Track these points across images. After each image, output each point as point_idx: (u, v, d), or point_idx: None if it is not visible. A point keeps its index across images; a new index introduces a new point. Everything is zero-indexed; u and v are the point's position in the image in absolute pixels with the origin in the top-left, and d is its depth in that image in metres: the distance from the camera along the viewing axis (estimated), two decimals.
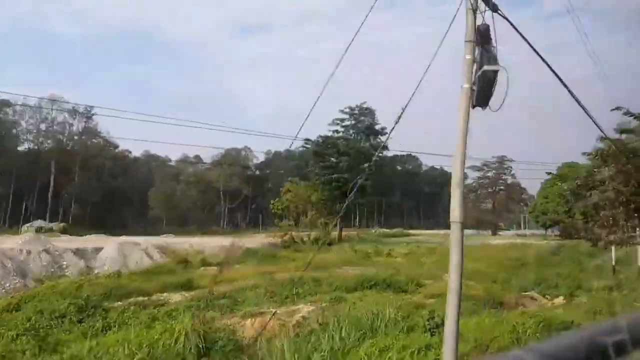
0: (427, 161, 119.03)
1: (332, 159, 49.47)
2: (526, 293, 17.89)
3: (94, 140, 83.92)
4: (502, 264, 26.06)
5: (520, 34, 6.33)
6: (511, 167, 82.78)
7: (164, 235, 57.69)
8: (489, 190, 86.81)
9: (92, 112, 75.57)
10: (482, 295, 16.43)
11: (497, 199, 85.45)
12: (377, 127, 52.51)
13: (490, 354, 10.13)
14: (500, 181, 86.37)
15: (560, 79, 6.93)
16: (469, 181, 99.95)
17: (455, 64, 6.27)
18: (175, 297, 17.94)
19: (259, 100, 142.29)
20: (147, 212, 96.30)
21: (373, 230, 65.02)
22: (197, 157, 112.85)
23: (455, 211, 6.14)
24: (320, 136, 49.80)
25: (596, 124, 11.20)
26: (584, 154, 12.56)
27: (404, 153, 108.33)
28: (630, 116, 11.85)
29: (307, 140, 49.33)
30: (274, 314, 12.35)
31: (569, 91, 7.11)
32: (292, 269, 25.14)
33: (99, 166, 79.89)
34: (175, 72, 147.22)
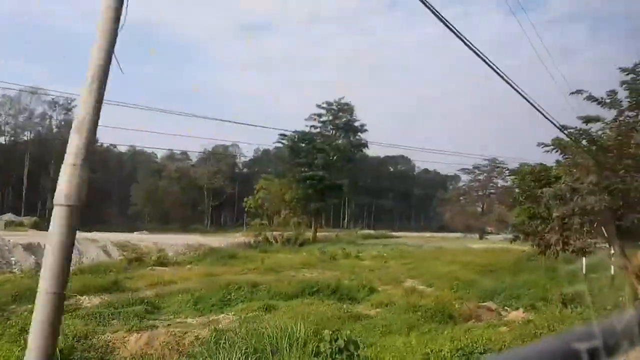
0: (420, 163, 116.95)
1: (305, 155, 47.30)
2: (484, 303, 16.11)
3: None
4: (473, 269, 24.33)
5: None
6: (503, 170, 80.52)
7: (137, 232, 55.94)
8: (479, 193, 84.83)
9: (72, 104, 73.89)
10: (432, 305, 14.62)
11: (486, 202, 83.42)
12: (356, 123, 50.69)
13: None
14: (491, 184, 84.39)
15: (499, 72, 5.18)
16: (460, 184, 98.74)
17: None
18: (94, 300, 16.12)
19: (256, 100, 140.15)
20: (128, 208, 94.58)
21: (356, 231, 63.21)
22: (184, 153, 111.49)
23: (66, 184, 3.37)
24: (296, 131, 47.89)
25: (546, 117, 9.48)
26: (539, 144, 10.78)
27: (396, 154, 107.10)
28: (593, 101, 10.10)
29: (282, 135, 47.46)
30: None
31: (507, 82, 5.40)
32: (245, 271, 23.46)
33: None
34: (172, 71, 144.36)
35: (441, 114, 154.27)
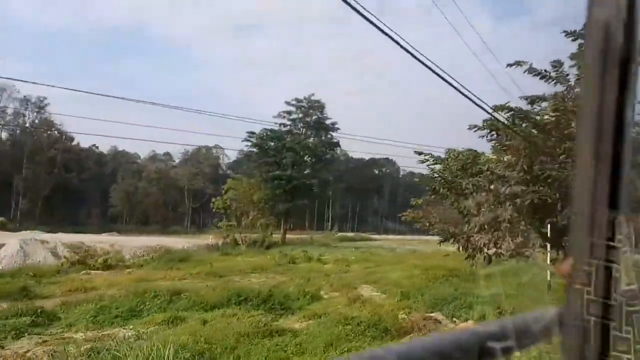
0: (405, 164, 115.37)
1: (274, 154, 45.27)
2: (431, 314, 14.29)
3: (49, 132, 79.47)
4: (436, 273, 22.48)
5: None
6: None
7: (106, 233, 54.05)
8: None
9: (45, 102, 71.92)
10: (369, 317, 12.80)
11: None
12: (328, 122, 48.64)
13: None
14: None
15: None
16: None
17: None
18: None
19: (249, 102, 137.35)
20: (108, 209, 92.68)
21: (333, 234, 61.25)
22: (167, 154, 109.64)
23: None
24: (265, 129, 45.88)
25: (475, 102, 7.76)
26: (470, 127, 8.90)
27: (381, 157, 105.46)
28: (536, 74, 8.33)
29: (250, 133, 45.40)
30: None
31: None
32: (186, 276, 21.60)
33: (51, 159, 75.46)
34: (163, 71, 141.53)
35: (434, 114, 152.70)
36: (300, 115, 48.09)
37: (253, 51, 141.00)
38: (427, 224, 10.48)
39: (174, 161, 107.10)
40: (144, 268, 25.03)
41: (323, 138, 48.35)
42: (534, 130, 8.10)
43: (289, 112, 48.14)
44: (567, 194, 7.76)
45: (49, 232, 51.09)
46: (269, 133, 45.80)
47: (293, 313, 14.72)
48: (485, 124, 8.71)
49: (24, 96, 71.79)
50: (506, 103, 7.64)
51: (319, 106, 48.18)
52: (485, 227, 8.78)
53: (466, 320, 13.56)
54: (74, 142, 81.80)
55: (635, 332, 1.27)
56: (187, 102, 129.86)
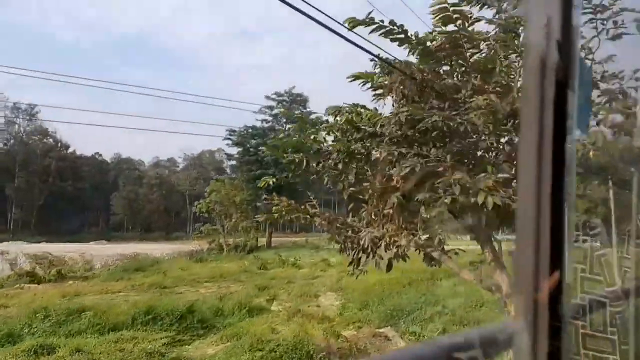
0: None
1: (255, 152, 42.52)
2: (382, 330, 11.61)
3: (44, 140, 77.99)
4: (417, 275, 19.69)
5: None
6: None
7: (94, 242, 52.10)
8: None
9: (35, 109, 70.47)
10: (291, 339, 10.18)
11: None
12: (312, 116, 45.47)
13: None
14: None
15: None
16: None
17: None
18: None
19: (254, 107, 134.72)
20: (109, 217, 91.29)
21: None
22: (171, 159, 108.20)
23: None
24: (246, 126, 43.12)
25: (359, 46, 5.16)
26: (352, 79, 6.06)
27: None
28: None
29: (231, 131, 42.78)
30: None
31: None
32: (125, 289, 19.19)
33: (45, 168, 73.85)
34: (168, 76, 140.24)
35: None
36: (282, 110, 45.26)
37: (260, 56, 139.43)
38: (291, 215, 7.37)
39: (178, 167, 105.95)
40: (97, 279, 22.69)
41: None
42: (419, 60, 5.25)
43: (270, 107, 45.46)
44: (474, 157, 5.07)
45: (42, 241, 49.39)
46: (250, 130, 43.18)
47: (216, 332, 12.17)
48: (376, 71, 5.98)
49: (14, 103, 70.38)
50: (368, 14, 4.78)
51: (301, 100, 45.35)
52: (373, 217, 6.15)
53: (419, 337, 10.88)
54: (70, 150, 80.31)
55: (619, 332, 1.54)
56: (193, 106, 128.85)
